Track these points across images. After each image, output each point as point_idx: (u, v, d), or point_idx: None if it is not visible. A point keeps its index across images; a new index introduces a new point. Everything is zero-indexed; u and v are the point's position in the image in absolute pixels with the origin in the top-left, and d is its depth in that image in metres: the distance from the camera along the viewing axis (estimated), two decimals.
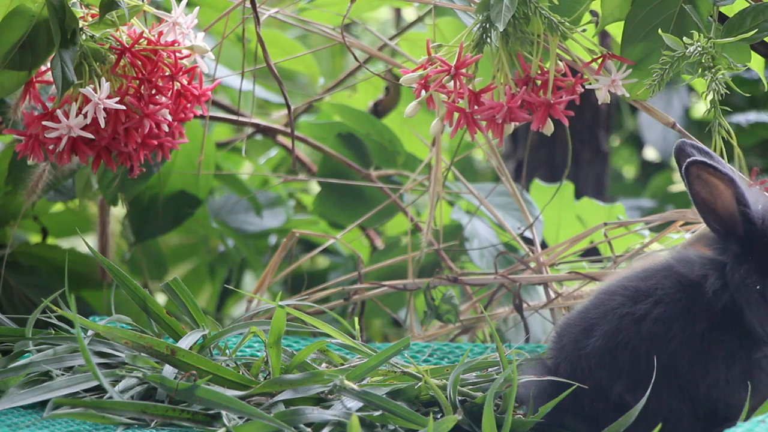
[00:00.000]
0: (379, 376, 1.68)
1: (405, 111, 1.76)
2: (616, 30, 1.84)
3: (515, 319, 2.26)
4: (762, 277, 1.55)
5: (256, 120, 2.49)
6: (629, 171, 4.23)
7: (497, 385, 1.55)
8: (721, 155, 1.74)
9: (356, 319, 2.00)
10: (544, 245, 1.95)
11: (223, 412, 1.54)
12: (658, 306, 1.56)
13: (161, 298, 2.63)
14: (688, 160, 1.56)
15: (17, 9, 1.79)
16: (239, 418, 1.54)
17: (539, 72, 1.75)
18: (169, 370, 1.61)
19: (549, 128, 1.75)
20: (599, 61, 1.76)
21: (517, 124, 1.77)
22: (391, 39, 2.48)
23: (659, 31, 1.71)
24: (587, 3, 1.80)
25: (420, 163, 2.41)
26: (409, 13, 3.48)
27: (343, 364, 1.74)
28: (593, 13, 1.86)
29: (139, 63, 1.83)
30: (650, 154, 4.06)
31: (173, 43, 1.84)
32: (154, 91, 1.84)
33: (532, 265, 2.13)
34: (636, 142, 4.05)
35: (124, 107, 1.80)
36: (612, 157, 3.63)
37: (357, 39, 2.48)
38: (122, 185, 2.25)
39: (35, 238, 2.65)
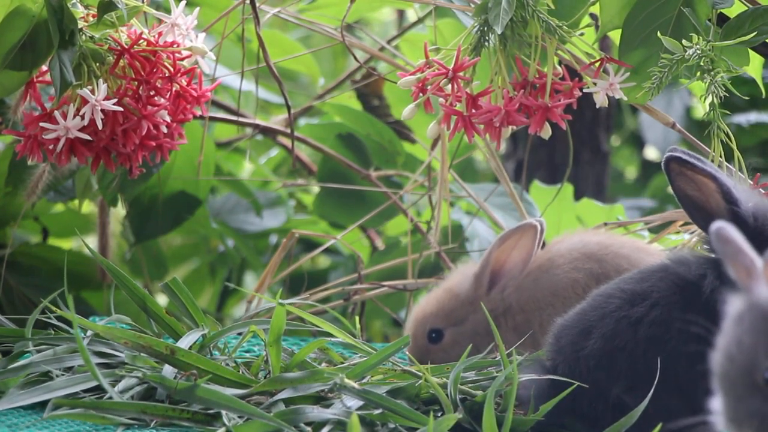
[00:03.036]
0: (379, 374, 1.68)
1: (402, 113, 1.76)
2: (614, 33, 1.84)
3: None
4: None
5: (256, 120, 2.49)
6: (630, 171, 4.22)
7: (498, 384, 1.55)
8: (721, 157, 1.74)
9: (357, 318, 2.00)
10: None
11: (223, 412, 1.54)
12: (654, 309, 1.55)
13: (162, 299, 2.63)
14: (667, 155, 1.55)
15: (18, 9, 1.79)
16: (239, 417, 1.54)
17: (537, 75, 1.74)
18: (168, 370, 1.61)
19: (546, 132, 1.75)
20: (597, 64, 1.75)
21: (516, 126, 1.77)
22: (391, 40, 2.48)
23: (658, 34, 1.71)
24: (585, 7, 1.80)
25: (420, 164, 2.41)
26: (413, 14, 3.47)
27: (343, 363, 1.74)
28: (592, 17, 1.86)
29: (138, 64, 1.82)
30: (651, 153, 4.05)
31: (172, 44, 1.84)
32: (152, 93, 1.83)
33: None
34: (636, 141, 4.05)
35: (121, 109, 1.80)
36: (612, 157, 3.62)
37: (359, 40, 2.48)
38: (122, 186, 2.25)
39: (35, 239, 2.65)
